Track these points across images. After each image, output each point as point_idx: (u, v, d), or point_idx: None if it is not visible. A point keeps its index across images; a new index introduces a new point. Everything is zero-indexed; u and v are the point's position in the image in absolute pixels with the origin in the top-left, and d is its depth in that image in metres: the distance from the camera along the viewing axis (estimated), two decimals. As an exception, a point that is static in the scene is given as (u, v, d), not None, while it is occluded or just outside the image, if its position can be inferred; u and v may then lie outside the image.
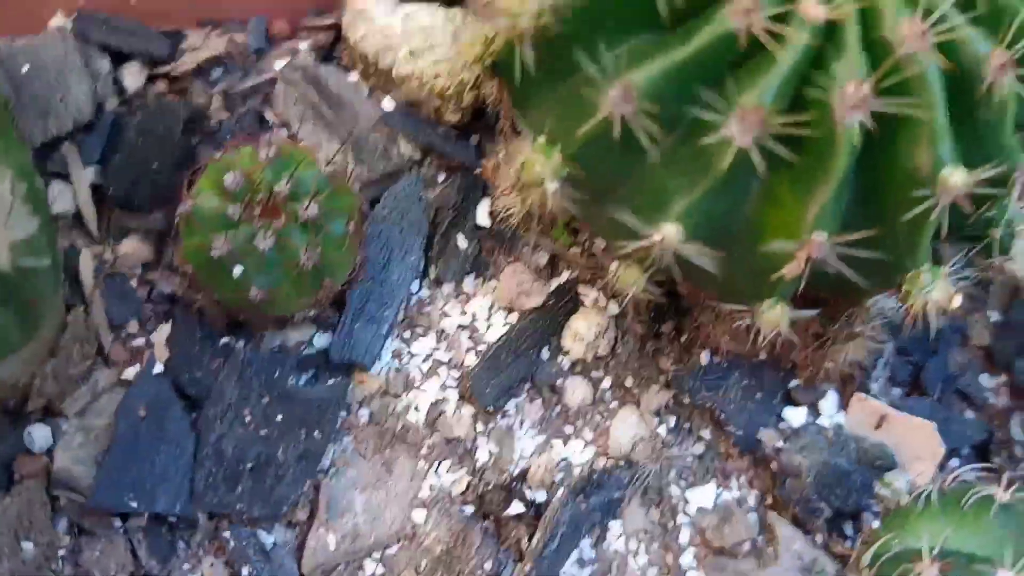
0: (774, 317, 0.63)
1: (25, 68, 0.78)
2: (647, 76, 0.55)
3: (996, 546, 0.60)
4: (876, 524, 0.73)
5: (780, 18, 0.53)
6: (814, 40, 0.53)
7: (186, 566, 0.68)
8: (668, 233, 0.58)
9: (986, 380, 0.84)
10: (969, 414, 0.83)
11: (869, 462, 0.77)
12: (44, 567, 0.64)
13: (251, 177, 0.65)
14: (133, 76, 0.83)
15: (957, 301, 0.64)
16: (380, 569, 0.71)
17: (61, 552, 0.66)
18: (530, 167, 0.62)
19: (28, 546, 0.64)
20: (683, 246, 0.59)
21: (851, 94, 0.52)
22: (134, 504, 0.65)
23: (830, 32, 0.54)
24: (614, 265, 0.66)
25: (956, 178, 0.55)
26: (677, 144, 0.58)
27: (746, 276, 0.63)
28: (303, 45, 0.86)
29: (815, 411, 0.79)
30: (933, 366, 0.83)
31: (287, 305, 0.68)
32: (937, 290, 0.62)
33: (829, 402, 0.79)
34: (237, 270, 0.64)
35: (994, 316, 0.86)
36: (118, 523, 0.67)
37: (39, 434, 0.68)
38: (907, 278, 0.63)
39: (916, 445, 0.77)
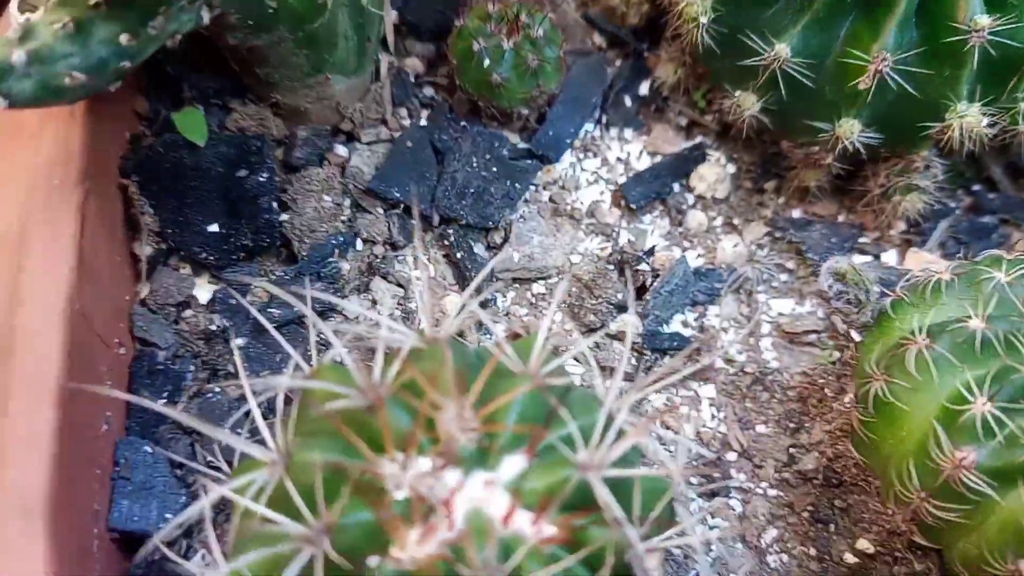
0: (848, 127, 0.89)
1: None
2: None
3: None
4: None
5: None
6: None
7: (419, 248, 0.94)
8: (781, 50, 0.87)
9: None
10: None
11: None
12: (334, 218, 0.90)
13: (505, 9, 0.97)
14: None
15: (985, 123, 0.85)
16: (543, 289, 0.95)
17: (343, 217, 0.91)
18: (689, 9, 0.92)
19: (327, 200, 0.90)
20: (791, 61, 0.87)
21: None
22: (396, 194, 0.92)
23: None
24: (738, 93, 0.95)
25: (983, 20, 0.80)
26: (790, -4, 0.88)
27: (829, 91, 0.88)
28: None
29: (878, 261, 0.99)
30: (979, 249, 0.98)
31: (512, 95, 0.96)
32: (970, 115, 0.85)
33: (889, 256, 0.99)
34: (486, 62, 0.95)
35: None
36: (381, 209, 0.93)
37: (341, 149, 0.95)
38: (948, 109, 0.85)
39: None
